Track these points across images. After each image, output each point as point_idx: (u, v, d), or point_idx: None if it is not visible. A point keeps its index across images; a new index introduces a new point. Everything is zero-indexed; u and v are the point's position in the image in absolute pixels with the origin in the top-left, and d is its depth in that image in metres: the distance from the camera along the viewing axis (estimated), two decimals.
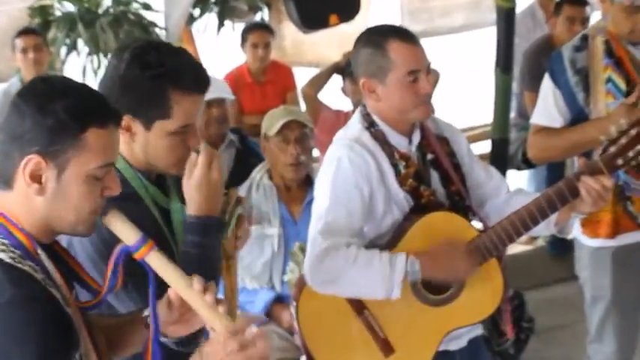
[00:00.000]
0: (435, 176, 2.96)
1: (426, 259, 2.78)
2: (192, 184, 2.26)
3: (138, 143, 2.29)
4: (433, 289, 2.91)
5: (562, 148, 3.55)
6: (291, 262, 3.86)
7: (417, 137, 2.95)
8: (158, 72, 2.21)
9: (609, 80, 3.42)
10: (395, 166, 2.88)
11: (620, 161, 2.83)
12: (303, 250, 3.60)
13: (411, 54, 2.83)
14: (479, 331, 3.12)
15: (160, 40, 2.35)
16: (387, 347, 2.92)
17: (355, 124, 2.95)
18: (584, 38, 3.52)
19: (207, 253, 2.27)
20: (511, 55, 5.12)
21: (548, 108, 3.53)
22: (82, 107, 1.86)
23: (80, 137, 1.85)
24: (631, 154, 2.82)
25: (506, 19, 5.10)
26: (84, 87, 1.93)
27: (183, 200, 2.36)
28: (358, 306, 2.90)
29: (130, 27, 6.15)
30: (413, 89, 2.83)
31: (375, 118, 2.91)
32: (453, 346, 3.01)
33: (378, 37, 2.87)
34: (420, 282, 2.86)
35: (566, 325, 5.15)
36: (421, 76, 2.82)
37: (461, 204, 2.96)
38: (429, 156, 2.97)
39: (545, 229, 2.99)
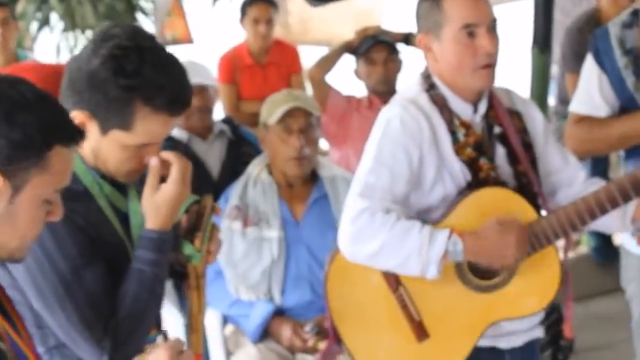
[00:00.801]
0: (501, 152, 2.98)
1: (471, 240, 2.80)
2: (161, 198, 2.29)
3: (89, 143, 2.29)
4: (480, 273, 2.92)
5: (607, 142, 3.51)
6: None
7: (483, 106, 2.97)
8: (131, 83, 2.21)
9: None
10: (453, 133, 2.91)
11: None
12: None
13: (467, 5, 2.87)
14: (539, 333, 3.11)
15: (151, 42, 2.26)
16: (421, 331, 2.94)
17: (414, 85, 3.00)
18: (635, 13, 3.47)
19: (161, 272, 2.32)
20: (550, 32, 5.11)
21: (590, 94, 3.50)
22: (51, 122, 1.85)
23: (45, 156, 1.83)
24: None
25: None
26: (51, 98, 1.91)
27: None
28: (394, 281, 2.93)
29: (112, 0, 6.14)
30: (470, 47, 2.86)
31: (437, 80, 2.96)
32: (503, 343, 3.01)
33: None
34: (465, 263, 2.89)
35: (611, 345, 5.14)
36: (480, 32, 2.85)
37: (528, 187, 2.97)
38: (497, 129, 2.99)
39: (620, 226, 3.02)
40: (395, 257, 2.82)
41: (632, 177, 2.85)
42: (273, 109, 4.02)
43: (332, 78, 5.43)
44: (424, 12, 2.93)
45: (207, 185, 4.55)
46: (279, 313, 3.91)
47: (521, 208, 2.90)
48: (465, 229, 2.82)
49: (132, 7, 6.14)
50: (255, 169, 4.09)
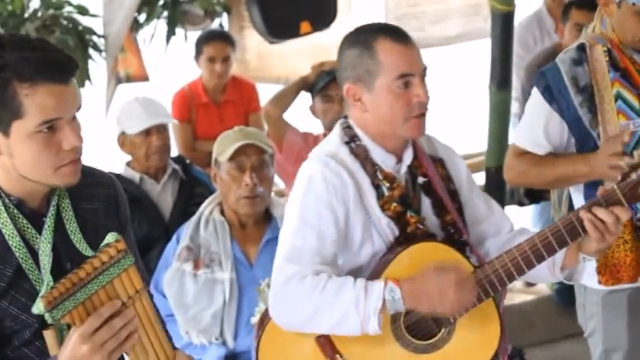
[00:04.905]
0: (426, 203, 2.96)
1: (409, 287, 2.75)
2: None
3: (5, 156, 2.28)
4: (418, 334, 2.88)
5: (542, 180, 3.59)
6: (260, 302, 3.81)
7: (408, 156, 2.95)
8: None
9: (618, 97, 3.43)
10: (377, 187, 2.88)
11: None
12: None
13: (402, 55, 2.84)
14: None
15: (8, 34, 2.32)
16: None
17: (334, 137, 2.96)
18: (581, 48, 3.51)
19: None
20: (508, 69, 5.14)
21: (534, 130, 3.54)
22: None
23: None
24: None
25: (503, 26, 5.11)
26: None
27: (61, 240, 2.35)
28: (330, 350, 2.87)
29: (63, 34, 6.11)
30: (404, 97, 2.83)
31: (359, 131, 2.92)
32: None
33: (366, 35, 2.87)
34: (402, 323, 2.84)
35: None
36: (414, 82, 2.83)
37: (457, 237, 2.96)
38: (421, 179, 2.97)
39: (550, 276, 3.00)
40: (331, 317, 2.76)
41: (566, 221, 2.85)
42: (224, 147, 4.03)
43: (289, 115, 5.43)
44: (353, 61, 2.87)
45: (159, 227, 4.55)
46: (232, 357, 3.90)
47: (454, 260, 2.87)
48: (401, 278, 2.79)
49: (83, 42, 6.11)
50: (207, 208, 4.09)
